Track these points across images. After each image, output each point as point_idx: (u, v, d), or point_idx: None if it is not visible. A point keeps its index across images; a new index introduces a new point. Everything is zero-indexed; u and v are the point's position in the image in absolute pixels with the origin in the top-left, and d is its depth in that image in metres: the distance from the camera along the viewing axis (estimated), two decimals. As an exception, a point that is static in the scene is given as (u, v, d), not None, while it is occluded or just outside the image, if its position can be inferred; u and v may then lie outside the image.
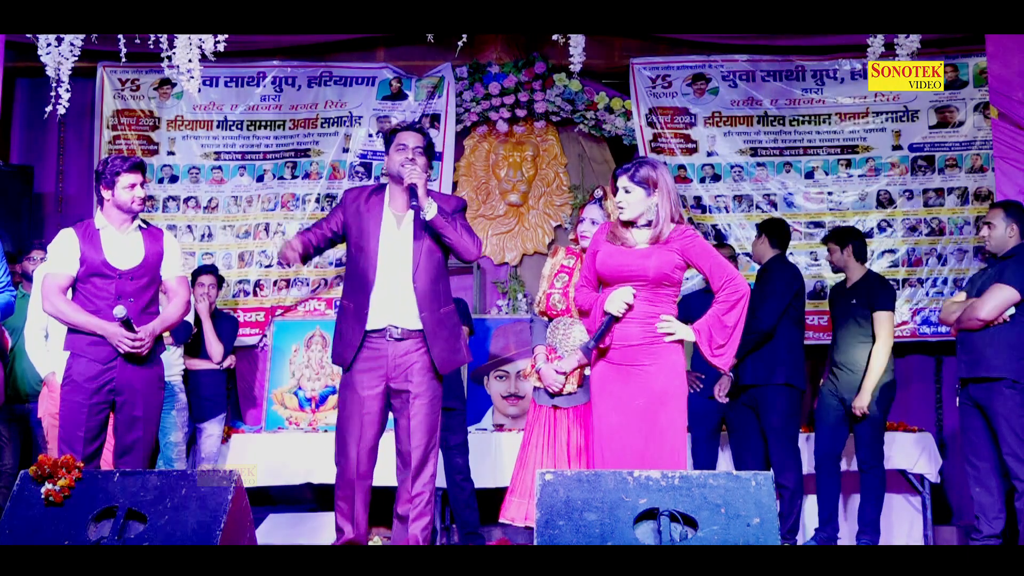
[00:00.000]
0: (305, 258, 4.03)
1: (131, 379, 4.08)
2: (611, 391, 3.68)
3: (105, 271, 4.07)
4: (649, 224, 3.70)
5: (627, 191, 3.67)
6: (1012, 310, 4.73)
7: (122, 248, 4.13)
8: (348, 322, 3.98)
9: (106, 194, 4.14)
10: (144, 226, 4.24)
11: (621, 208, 3.68)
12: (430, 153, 4.02)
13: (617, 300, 3.60)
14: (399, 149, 3.95)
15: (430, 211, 3.84)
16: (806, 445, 5.66)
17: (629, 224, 3.71)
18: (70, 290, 4.13)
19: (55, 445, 4.64)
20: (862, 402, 5.27)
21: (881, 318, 5.37)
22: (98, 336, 4.03)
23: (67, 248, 4.11)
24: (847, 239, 5.57)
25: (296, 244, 3.96)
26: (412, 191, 3.84)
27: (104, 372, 4.05)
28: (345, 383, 3.97)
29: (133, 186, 4.12)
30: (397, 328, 3.90)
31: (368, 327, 3.91)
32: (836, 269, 5.64)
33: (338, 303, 4.14)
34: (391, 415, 4.05)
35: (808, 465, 5.58)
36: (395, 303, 3.90)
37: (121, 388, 4.07)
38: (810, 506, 5.59)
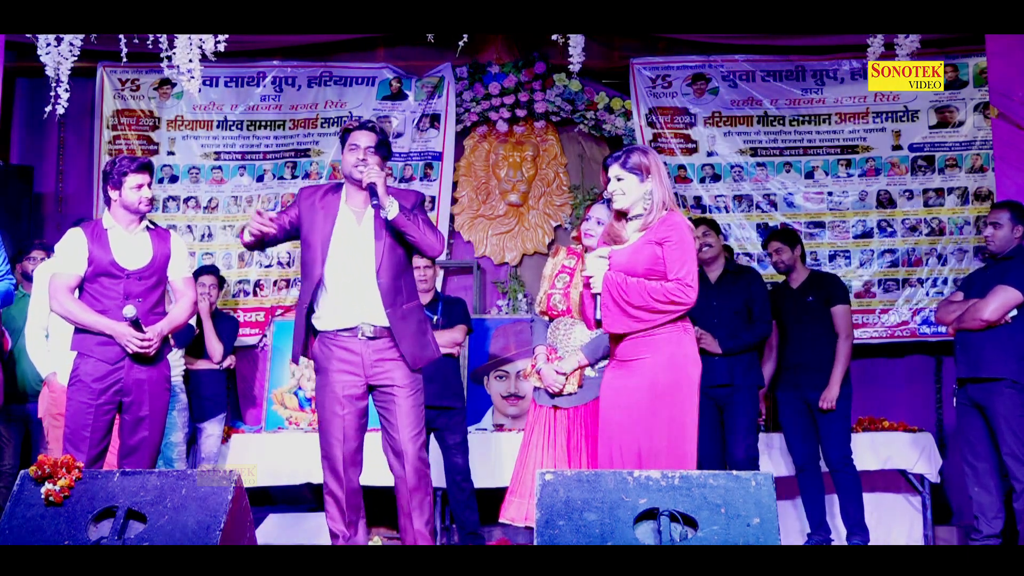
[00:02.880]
0: (261, 243, 3.94)
1: (138, 380, 4.07)
2: (615, 388, 3.60)
3: (113, 271, 4.07)
4: (642, 214, 3.62)
5: (619, 179, 3.60)
6: (1015, 312, 4.73)
7: (130, 248, 4.13)
8: (298, 320, 3.98)
9: (113, 194, 4.13)
10: (152, 227, 4.24)
11: (614, 198, 3.62)
12: (384, 151, 3.95)
13: (596, 272, 3.53)
14: (351, 149, 3.90)
15: (392, 210, 3.79)
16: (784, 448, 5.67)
17: (622, 215, 3.66)
18: (77, 290, 4.12)
19: (55, 445, 4.63)
20: (832, 394, 5.27)
21: (840, 312, 5.41)
22: (106, 336, 4.02)
23: (75, 248, 4.10)
24: (796, 240, 5.61)
25: (265, 221, 3.82)
26: (372, 190, 3.78)
27: (112, 372, 4.04)
28: (322, 385, 3.92)
29: (140, 186, 4.11)
30: (369, 326, 3.87)
31: (337, 326, 3.89)
32: (783, 270, 5.61)
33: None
34: (375, 413, 4.00)
35: (789, 469, 5.60)
36: (361, 301, 3.87)
37: (128, 389, 4.06)
38: (790, 509, 5.62)
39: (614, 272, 3.54)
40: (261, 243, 3.96)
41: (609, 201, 4.07)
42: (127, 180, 4.10)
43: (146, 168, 4.15)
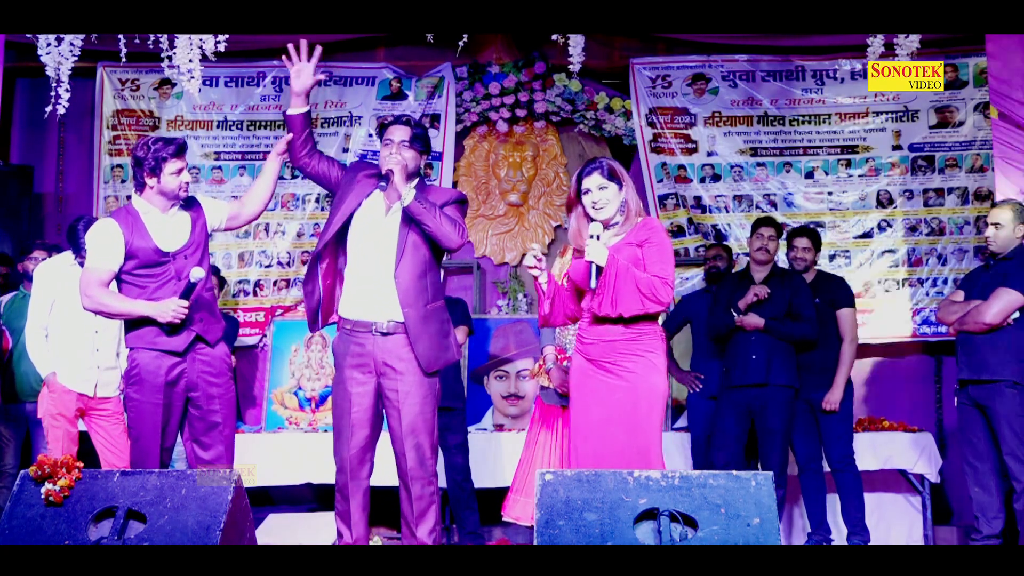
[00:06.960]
0: (304, 149, 3.93)
1: (204, 371, 3.89)
2: (590, 387, 3.62)
3: (158, 258, 3.84)
4: (618, 222, 3.64)
5: (602, 188, 3.60)
6: (1016, 314, 4.73)
7: (168, 229, 3.91)
8: (308, 277, 3.93)
9: (150, 181, 3.86)
10: (183, 204, 4.00)
11: (598, 208, 3.60)
12: (420, 144, 3.88)
13: (594, 243, 3.50)
14: (385, 144, 3.86)
15: (407, 197, 3.72)
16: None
17: (602, 225, 3.63)
18: (114, 284, 3.88)
19: (55, 445, 4.62)
20: (836, 396, 5.28)
21: (845, 315, 5.42)
22: (152, 324, 3.78)
23: (110, 241, 3.84)
24: (820, 240, 5.61)
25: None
26: (387, 178, 3.73)
27: (177, 365, 3.83)
28: (336, 381, 3.87)
29: (180, 171, 3.88)
30: (383, 323, 3.77)
31: (353, 316, 3.81)
32: (801, 268, 5.54)
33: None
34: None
35: (790, 469, 5.58)
36: (378, 296, 3.78)
37: (196, 383, 3.87)
38: (790, 509, 5.62)
39: (620, 262, 3.53)
40: (302, 150, 3.93)
41: None
42: (166, 166, 3.84)
43: (183, 151, 3.92)
